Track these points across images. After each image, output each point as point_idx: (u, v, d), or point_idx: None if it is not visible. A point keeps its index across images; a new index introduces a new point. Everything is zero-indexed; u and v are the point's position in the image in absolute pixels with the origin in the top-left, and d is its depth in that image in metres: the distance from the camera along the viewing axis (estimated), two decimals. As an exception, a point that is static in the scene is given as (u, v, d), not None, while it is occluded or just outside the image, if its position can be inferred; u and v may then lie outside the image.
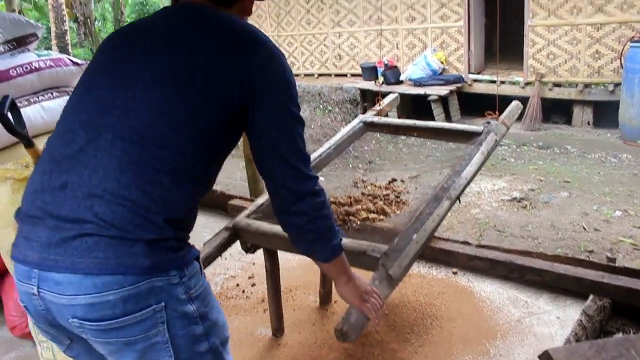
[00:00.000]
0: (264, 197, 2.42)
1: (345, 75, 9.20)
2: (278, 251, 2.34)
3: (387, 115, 3.15)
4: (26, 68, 3.63)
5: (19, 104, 3.73)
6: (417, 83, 7.84)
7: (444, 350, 2.27)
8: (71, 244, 1.11)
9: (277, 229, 2.10)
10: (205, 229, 4.47)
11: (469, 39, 7.90)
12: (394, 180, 2.58)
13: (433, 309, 2.55)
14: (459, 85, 7.80)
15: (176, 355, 1.19)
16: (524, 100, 7.00)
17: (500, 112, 2.88)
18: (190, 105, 1.19)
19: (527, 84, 7.38)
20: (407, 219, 2.18)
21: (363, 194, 2.47)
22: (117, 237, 1.11)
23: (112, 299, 1.11)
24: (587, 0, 6.74)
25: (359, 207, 2.30)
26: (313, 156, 2.61)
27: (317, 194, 1.34)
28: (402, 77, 8.17)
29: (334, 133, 6.34)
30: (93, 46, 18.70)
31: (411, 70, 8.06)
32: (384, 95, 3.18)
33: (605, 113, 6.85)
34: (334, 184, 2.65)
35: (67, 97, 3.97)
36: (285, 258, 2.72)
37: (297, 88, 1.36)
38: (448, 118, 7.70)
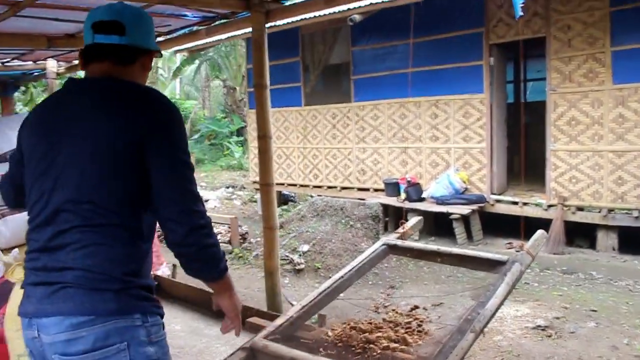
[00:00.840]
0: (282, 318, 2.39)
1: (368, 189, 9.31)
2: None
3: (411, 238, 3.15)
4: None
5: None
6: (440, 201, 7.89)
7: None
8: (57, 295, 1.45)
9: (296, 353, 2.06)
10: (219, 340, 4.38)
11: (491, 160, 8.02)
12: (417, 307, 2.54)
13: None
14: (481, 205, 7.82)
15: None
16: (547, 223, 6.98)
17: (524, 234, 2.86)
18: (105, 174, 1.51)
19: (550, 206, 7.37)
20: (430, 350, 2.12)
21: (384, 320, 2.43)
22: (91, 289, 1.45)
23: (85, 335, 1.42)
24: (608, 128, 6.87)
25: (380, 334, 2.24)
26: (334, 278, 2.60)
27: (203, 227, 1.55)
28: (424, 195, 8.24)
29: (354, 248, 6.34)
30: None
31: (434, 188, 8.13)
32: (407, 215, 3.20)
33: (630, 239, 6.76)
34: (352, 307, 2.61)
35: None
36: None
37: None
38: (470, 237, 7.66)
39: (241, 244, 7.50)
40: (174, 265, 5.92)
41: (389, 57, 8.80)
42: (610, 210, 6.93)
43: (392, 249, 2.89)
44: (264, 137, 4.18)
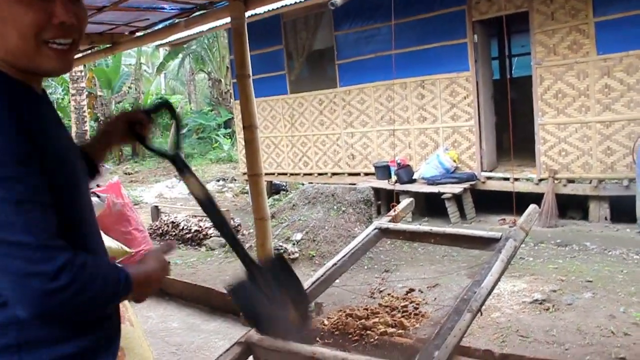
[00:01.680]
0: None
1: (359, 174, 9.29)
2: (293, 368, 2.25)
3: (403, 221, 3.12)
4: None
5: None
6: (430, 181, 7.87)
7: None
8: None
9: (292, 345, 2.03)
10: (216, 335, 4.37)
11: (480, 138, 8.01)
12: (412, 290, 2.52)
13: None
14: (472, 182, 7.82)
15: None
16: (539, 197, 6.99)
17: (516, 210, 2.84)
18: None
19: (541, 180, 7.39)
20: (428, 332, 2.10)
21: (380, 305, 2.41)
22: None
23: None
24: (595, 100, 6.86)
25: (377, 320, 2.22)
26: (327, 266, 2.57)
27: (71, 263, 1.04)
28: (415, 176, 8.23)
29: (348, 234, 6.31)
30: (112, 147, 19.24)
31: (424, 169, 8.12)
32: (399, 198, 3.17)
33: (622, 208, 6.78)
34: (348, 293, 2.58)
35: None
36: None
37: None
38: (463, 216, 7.66)
39: (234, 237, 7.45)
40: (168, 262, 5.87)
41: (373, 39, 8.74)
42: (601, 181, 6.95)
43: (384, 232, 2.87)
44: (249, 128, 4.12)
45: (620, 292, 4.59)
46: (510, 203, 5.63)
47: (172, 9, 4.44)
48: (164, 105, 1.68)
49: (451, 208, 7.61)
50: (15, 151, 1.02)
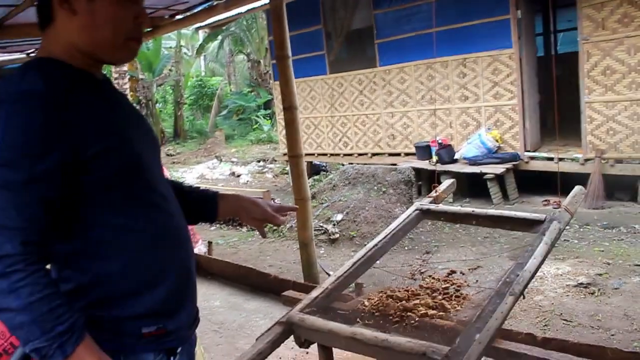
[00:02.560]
0: (318, 290, 2.37)
1: (399, 154, 9.21)
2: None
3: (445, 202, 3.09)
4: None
5: None
6: (472, 162, 7.76)
7: None
8: None
9: (332, 325, 2.04)
10: (257, 314, 4.43)
11: (523, 117, 7.83)
12: (453, 272, 2.49)
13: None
14: (515, 163, 7.66)
15: None
16: (584, 177, 6.81)
17: (561, 191, 2.77)
18: None
19: (587, 160, 7.17)
20: (469, 315, 2.07)
21: (421, 286, 2.39)
22: None
23: None
24: (645, 75, 6.61)
25: (417, 302, 2.21)
26: (368, 247, 2.56)
27: (15, 261, 1.08)
28: (456, 156, 8.12)
29: (388, 214, 6.29)
30: (153, 126, 19.55)
31: (465, 149, 8.00)
32: (440, 178, 3.13)
33: (673, 189, 6.56)
34: (388, 275, 2.58)
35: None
36: (341, 353, 2.61)
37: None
38: (505, 197, 7.53)
39: (275, 217, 7.52)
40: (209, 242, 5.98)
41: (413, 17, 8.59)
42: (651, 161, 6.72)
43: (425, 213, 2.84)
44: (289, 109, 4.13)
45: (670, 276, 4.45)
46: (554, 184, 5.51)
47: (211, -9, 4.46)
48: None
49: (493, 189, 7.49)
50: (26, 142, 1.12)
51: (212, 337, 4.03)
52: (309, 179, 7.78)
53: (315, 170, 10.95)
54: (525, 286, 2.13)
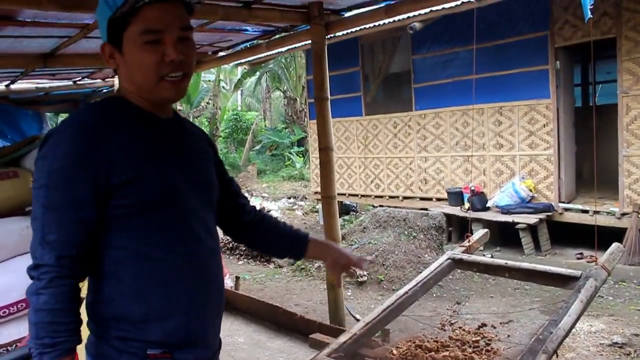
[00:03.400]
0: (346, 335, 2.35)
1: (431, 199, 9.17)
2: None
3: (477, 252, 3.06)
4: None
5: None
6: (505, 210, 7.67)
7: None
8: None
9: (359, 373, 2.02)
10: (281, 354, 4.39)
11: (559, 167, 7.74)
12: (484, 325, 2.45)
13: None
14: (548, 213, 7.54)
15: None
16: (620, 232, 6.65)
17: (596, 245, 2.72)
18: None
19: (623, 214, 7.02)
20: (499, 371, 2.03)
21: (451, 338, 2.36)
22: None
23: None
24: (687, 133, 6.50)
25: (447, 354, 2.17)
26: (398, 293, 2.55)
27: (32, 278, 1.29)
28: (489, 204, 8.04)
29: (417, 260, 6.23)
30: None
31: (498, 197, 7.92)
32: (472, 225, 3.11)
33: None
34: (417, 322, 2.55)
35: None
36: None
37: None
38: (537, 247, 7.39)
39: (303, 255, 7.51)
40: (237, 277, 5.99)
41: (451, 64, 8.65)
42: (691, 219, 6.55)
43: (457, 263, 2.81)
44: (325, 149, 4.17)
45: None
46: (588, 237, 5.37)
47: (254, 31, 4.58)
48: None
49: (525, 239, 7.37)
50: (63, 167, 1.29)
51: (235, 374, 4.00)
52: (339, 218, 7.79)
53: (345, 210, 10.94)
54: (559, 344, 2.09)
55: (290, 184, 16.45)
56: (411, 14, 7.20)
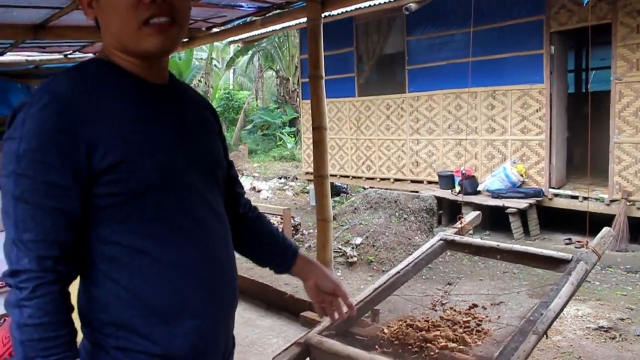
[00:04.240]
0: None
1: (422, 182, 9.18)
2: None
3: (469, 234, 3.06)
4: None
5: None
6: (495, 194, 7.70)
7: None
8: None
9: (350, 350, 2.02)
10: (271, 332, 4.41)
11: (550, 153, 7.77)
12: (475, 305, 2.46)
13: None
14: (538, 199, 7.58)
15: None
16: (609, 218, 6.71)
17: (585, 230, 2.73)
18: None
19: (613, 201, 7.08)
20: (490, 351, 2.04)
21: (442, 318, 2.36)
22: None
23: None
24: (678, 120, 6.53)
25: (438, 333, 2.18)
26: (390, 273, 2.55)
27: (9, 288, 1.08)
28: (479, 188, 8.06)
29: (408, 242, 6.25)
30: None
31: (489, 181, 7.94)
32: (462, 208, 3.11)
33: (700, 237, 6.43)
34: (407, 303, 2.55)
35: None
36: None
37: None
38: (526, 232, 7.44)
39: (294, 236, 7.53)
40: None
41: (445, 46, 8.62)
42: (679, 206, 6.61)
43: (449, 244, 2.82)
44: (319, 129, 4.14)
45: (694, 326, 4.34)
46: (577, 222, 5.43)
47: (249, 7, 4.52)
48: None
49: (515, 223, 7.41)
50: (33, 149, 1.06)
51: (224, 352, 4.00)
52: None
53: (336, 191, 10.94)
54: (549, 326, 2.10)
55: (281, 164, 16.42)
56: (407, -6, 7.16)
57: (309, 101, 4.38)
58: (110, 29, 1.19)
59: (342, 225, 6.77)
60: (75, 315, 1.14)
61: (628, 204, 6.90)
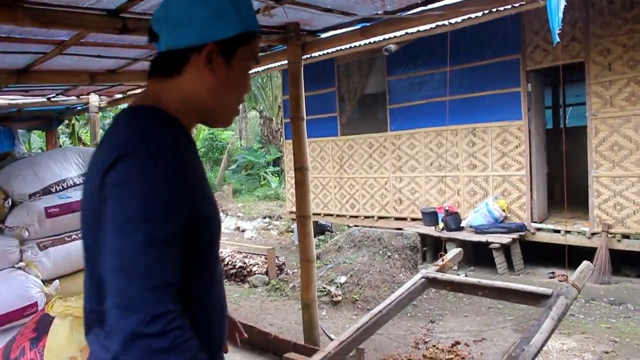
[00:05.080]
0: (320, 354, 2.34)
1: (405, 219, 9.22)
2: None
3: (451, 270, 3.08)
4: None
5: (74, 237, 3.92)
6: (479, 230, 7.75)
7: None
8: None
9: (334, 391, 2.01)
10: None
11: (531, 188, 7.87)
12: (457, 343, 2.46)
13: None
14: (521, 233, 7.65)
15: None
16: (591, 251, 6.78)
17: (568, 264, 2.76)
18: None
19: (594, 234, 7.16)
20: (473, 389, 2.04)
21: (424, 356, 2.36)
22: None
23: None
24: (653, 154, 6.67)
25: (421, 372, 2.18)
26: (373, 312, 2.55)
27: (150, 337, 1.00)
28: (462, 224, 8.11)
29: (392, 279, 6.24)
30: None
31: (472, 217, 8.00)
32: (446, 245, 3.13)
33: (681, 269, 6.49)
34: (391, 342, 2.53)
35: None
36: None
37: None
38: (510, 267, 7.48)
39: (278, 275, 7.49)
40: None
41: (425, 85, 8.79)
42: (659, 239, 6.69)
43: (431, 282, 2.83)
44: (300, 169, 4.18)
45: (678, 358, 4.36)
46: (560, 256, 5.44)
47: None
48: None
49: (499, 258, 7.45)
50: (166, 194, 1.08)
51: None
52: (314, 238, 7.79)
53: (320, 230, 10.94)
54: (531, 362, 2.11)
55: (265, 203, 16.39)
56: (386, 36, 7.33)
57: (291, 141, 4.43)
58: (217, 97, 1.28)
59: (327, 264, 6.75)
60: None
61: (609, 236, 6.98)
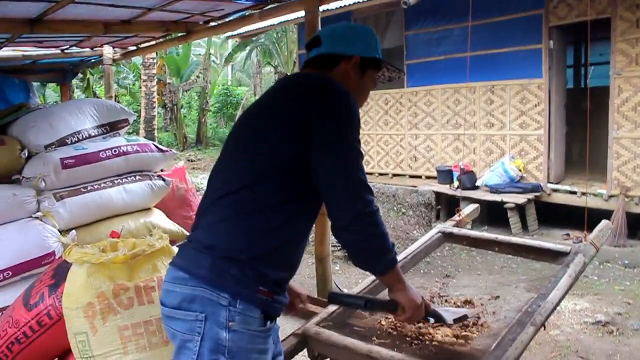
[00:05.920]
0: (333, 306, 2.34)
1: (420, 177, 9.17)
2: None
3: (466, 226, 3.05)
4: (115, 151, 3.86)
5: (103, 185, 3.92)
6: (494, 189, 7.69)
7: None
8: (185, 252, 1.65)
9: (348, 341, 2.01)
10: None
11: (548, 148, 7.76)
12: (470, 301, 2.46)
13: None
14: (537, 194, 7.58)
15: None
16: (607, 214, 6.70)
17: (583, 225, 2.73)
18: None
19: (611, 196, 7.07)
20: (487, 343, 2.04)
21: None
22: (199, 250, 1.58)
23: (177, 291, 1.55)
24: (677, 115, 6.52)
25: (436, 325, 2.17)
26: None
27: (368, 215, 1.55)
28: (478, 183, 8.05)
29: (406, 236, 6.24)
30: (177, 131, 19.77)
31: (488, 176, 7.94)
32: (460, 203, 3.10)
33: (698, 232, 6.42)
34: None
35: (149, 181, 4.08)
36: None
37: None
38: (524, 227, 7.44)
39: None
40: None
41: (444, 41, 8.60)
42: (678, 201, 6.60)
43: (447, 236, 2.81)
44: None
45: (692, 320, 4.34)
46: (575, 218, 5.43)
47: (247, 1, 4.49)
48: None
49: (513, 218, 7.41)
50: (358, 121, 1.67)
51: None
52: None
53: (334, 186, 10.91)
54: (547, 317, 2.10)
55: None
56: (406, -12, 7.14)
57: (307, 95, 4.36)
58: (353, 92, 1.71)
59: (340, 220, 6.75)
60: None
61: (626, 199, 6.89)
